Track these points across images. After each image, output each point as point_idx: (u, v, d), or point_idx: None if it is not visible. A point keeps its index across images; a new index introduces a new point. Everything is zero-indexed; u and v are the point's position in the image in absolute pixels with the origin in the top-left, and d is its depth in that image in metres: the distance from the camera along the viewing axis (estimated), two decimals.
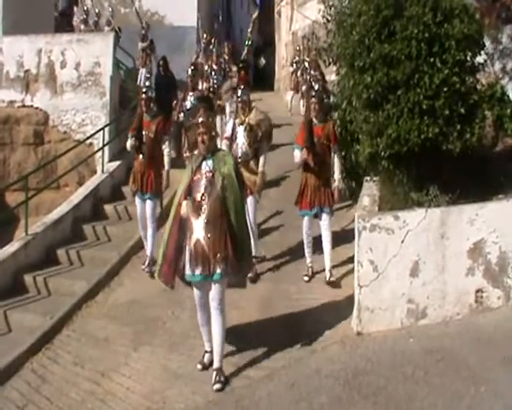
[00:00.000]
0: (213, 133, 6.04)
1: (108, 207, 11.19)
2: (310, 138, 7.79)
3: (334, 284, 7.61)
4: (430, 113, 6.57)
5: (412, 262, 6.22)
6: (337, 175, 7.98)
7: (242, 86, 9.16)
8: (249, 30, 18.03)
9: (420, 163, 6.78)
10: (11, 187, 11.47)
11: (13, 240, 10.03)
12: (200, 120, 5.97)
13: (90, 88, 13.30)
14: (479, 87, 7.18)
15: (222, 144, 8.21)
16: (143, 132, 8.76)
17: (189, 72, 12.17)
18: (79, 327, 7.51)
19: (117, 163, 12.51)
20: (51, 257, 9.69)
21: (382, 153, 6.96)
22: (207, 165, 5.92)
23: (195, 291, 5.97)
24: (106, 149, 12.36)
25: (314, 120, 7.93)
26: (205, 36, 18.67)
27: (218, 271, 5.71)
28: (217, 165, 5.90)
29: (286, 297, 7.48)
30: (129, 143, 8.92)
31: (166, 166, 8.82)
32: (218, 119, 13.30)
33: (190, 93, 11.70)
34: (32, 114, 13.54)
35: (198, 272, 5.76)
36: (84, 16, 18.79)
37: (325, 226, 7.87)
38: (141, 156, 8.78)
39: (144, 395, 5.86)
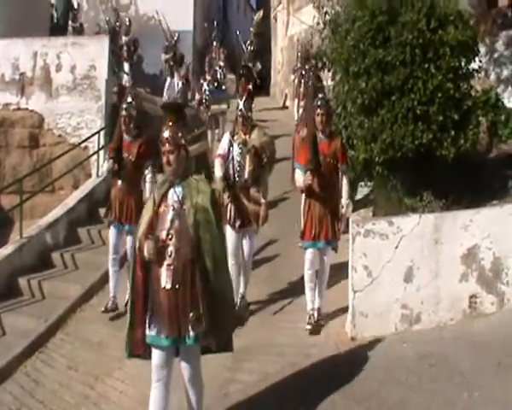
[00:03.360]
0: (183, 152, 4.66)
1: (103, 211, 11.14)
2: (315, 158, 6.54)
3: (316, 329, 6.61)
4: (424, 118, 6.61)
5: (406, 268, 6.23)
6: (344, 200, 6.73)
7: (244, 97, 7.47)
8: (252, 30, 16.62)
9: (414, 169, 6.81)
10: (6, 190, 11.42)
11: (7, 243, 10.02)
12: (166, 135, 4.65)
13: (86, 91, 13.31)
14: (473, 93, 7.21)
15: (215, 163, 7.29)
16: (123, 155, 7.81)
17: (180, 85, 11.08)
18: (73, 331, 7.51)
19: None
20: (46, 260, 9.68)
21: (376, 158, 6.98)
22: (175, 193, 4.65)
23: (155, 358, 4.61)
24: (101, 152, 12.33)
25: (320, 134, 6.70)
26: (215, 44, 18.57)
27: (192, 334, 4.47)
28: (188, 193, 4.63)
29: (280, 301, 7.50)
30: (106, 167, 8.09)
31: (147, 194, 7.60)
32: (209, 133, 12.85)
33: None
34: (27, 117, 13.54)
35: (164, 334, 4.51)
36: (106, 26, 18.80)
37: (325, 261, 6.82)
38: (119, 182, 7.87)
39: (137, 399, 5.84)
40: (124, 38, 18.34)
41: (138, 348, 4.69)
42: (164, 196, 4.67)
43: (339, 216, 6.69)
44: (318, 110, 6.66)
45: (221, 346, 4.80)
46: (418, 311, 6.25)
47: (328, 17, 8.93)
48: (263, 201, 7.09)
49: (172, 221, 4.59)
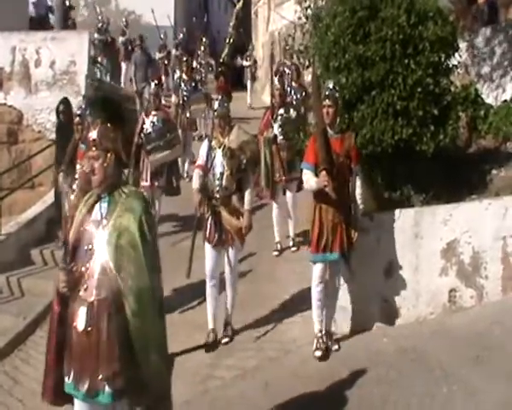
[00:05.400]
0: (112, 158, 3.73)
1: None
2: (328, 156, 5.71)
3: (325, 355, 5.96)
4: (404, 114, 6.61)
5: (386, 262, 6.26)
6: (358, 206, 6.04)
7: (220, 97, 6.86)
8: (231, 24, 15.95)
9: (394, 164, 6.81)
10: None
11: None
12: (93, 136, 3.74)
13: (65, 87, 13.16)
14: (453, 89, 7.22)
15: (194, 174, 6.72)
16: (77, 166, 7.23)
17: (152, 86, 10.00)
18: None
19: None
20: (25, 257, 9.57)
21: None
22: (100, 210, 3.74)
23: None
24: None
25: (329, 130, 5.92)
26: (204, 40, 18.38)
27: (107, 390, 3.56)
28: (113, 211, 3.70)
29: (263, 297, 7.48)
30: (60, 179, 7.69)
31: (66, 207, 7.24)
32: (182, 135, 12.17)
33: (153, 112, 9.27)
34: (6, 113, 13.38)
35: (79, 386, 3.61)
36: (100, 25, 18.31)
37: (337, 282, 6.11)
38: (72, 196, 7.23)
39: None
40: (121, 39, 18.14)
41: (47, 395, 3.81)
42: (89, 213, 3.78)
43: (353, 223, 5.92)
44: (326, 101, 5.92)
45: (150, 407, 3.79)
46: (398, 305, 6.29)
47: (309, 12, 8.90)
48: (246, 208, 6.41)
49: (92, 245, 3.68)
